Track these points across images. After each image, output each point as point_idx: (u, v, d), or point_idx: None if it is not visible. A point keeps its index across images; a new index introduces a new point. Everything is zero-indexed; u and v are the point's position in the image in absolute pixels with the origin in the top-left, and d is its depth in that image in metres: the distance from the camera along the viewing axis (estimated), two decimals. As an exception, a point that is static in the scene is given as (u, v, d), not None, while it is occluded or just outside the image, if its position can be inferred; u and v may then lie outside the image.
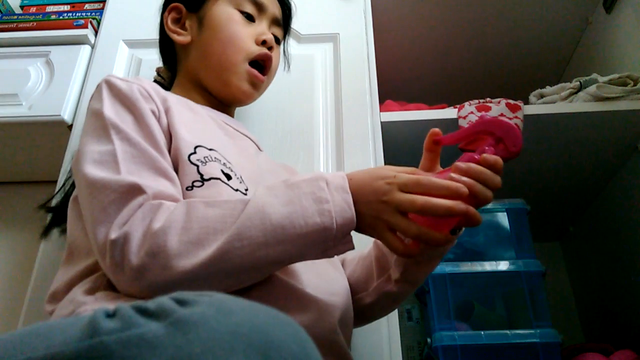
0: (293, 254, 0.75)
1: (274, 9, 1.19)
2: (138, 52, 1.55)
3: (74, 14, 1.60)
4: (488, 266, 1.50)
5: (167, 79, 1.24)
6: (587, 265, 1.97)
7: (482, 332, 1.42)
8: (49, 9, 1.65)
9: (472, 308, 1.55)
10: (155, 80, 1.24)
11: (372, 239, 0.98)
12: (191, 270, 0.70)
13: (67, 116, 1.40)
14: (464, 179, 0.74)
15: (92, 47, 1.56)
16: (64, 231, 1.14)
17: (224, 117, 1.13)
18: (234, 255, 0.71)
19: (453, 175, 0.75)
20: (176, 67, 1.21)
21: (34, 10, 1.66)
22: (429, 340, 1.45)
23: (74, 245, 0.89)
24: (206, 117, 1.04)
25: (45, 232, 1.18)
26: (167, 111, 0.94)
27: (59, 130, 1.42)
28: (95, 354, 0.44)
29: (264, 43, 1.13)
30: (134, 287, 0.72)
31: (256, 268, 0.74)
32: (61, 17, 1.59)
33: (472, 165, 0.76)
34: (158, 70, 1.26)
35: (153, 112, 0.91)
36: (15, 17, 1.61)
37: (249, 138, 1.14)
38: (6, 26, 1.57)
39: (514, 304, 1.57)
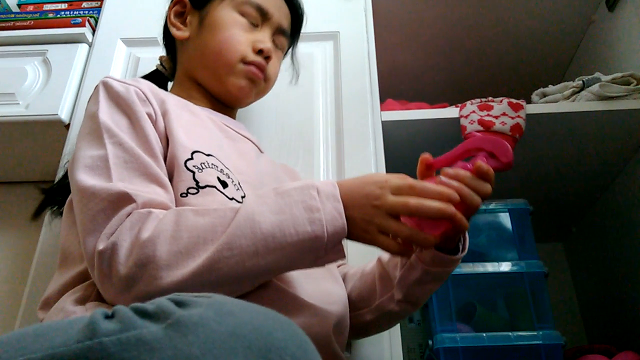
0: (283, 263, 0.75)
1: (281, 18, 1.17)
2: (136, 50, 1.55)
3: (71, 12, 1.60)
4: (490, 267, 1.50)
5: (168, 69, 1.23)
6: (590, 266, 1.97)
7: (484, 334, 1.41)
8: (47, 7, 1.65)
9: (474, 309, 1.55)
10: (156, 69, 1.24)
11: (374, 251, 0.97)
12: (181, 281, 0.70)
13: (64, 115, 1.40)
14: (453, 182, 0.76)
15: (90, 45, 1.56)
16: (54, 213, 1.15)
17: (225, 118, 1.12)
18: (224, 265, 0.71)
19: (442, 178, 0.78)
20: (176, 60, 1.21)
21: (31, 9, 1.66)
22: (430, 342, 1.45)
23: (68, 251, 0.89)
24: (206, 120, 1.03)
25: (37, 213, 1.17)
26: (164, 114, 0.93)
27: (56, 129, 1.41)
28: (93, 355, 0.44)
29: (260, 52, 1.10)
30: (123, 298, 0.71)
31: (246, 278, 0.74)
32: (58, 16, 1.59)
33: (460, 170, 0.78)
34: (161, 59, 1.25)
35: (149, 116, 0.90)
36: (13, 15, 1.61)
37: (250, 140, 1.13)
38: (3, 25, 1.56)
39: (516, 305, 1.56)
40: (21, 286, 1.24)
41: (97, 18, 1.60)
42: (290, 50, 1.29)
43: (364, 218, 0.76)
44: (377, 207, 0.75)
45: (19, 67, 1.47)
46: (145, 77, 1.21)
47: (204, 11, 1.14)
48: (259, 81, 1.12)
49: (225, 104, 1.16)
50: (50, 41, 1.53)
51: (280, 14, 1.17)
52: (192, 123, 0.97)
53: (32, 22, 1.56)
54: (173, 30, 1.16)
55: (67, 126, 1.40)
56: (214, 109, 1.12)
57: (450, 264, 0.88)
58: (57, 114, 1.39)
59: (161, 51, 1.51)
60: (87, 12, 1.60)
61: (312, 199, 0.75)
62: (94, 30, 1.57)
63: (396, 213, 0.75)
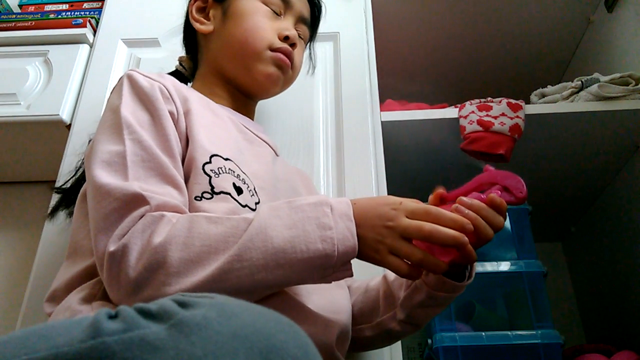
0: (291, 279, 0.75)
1: (302, 7, 1.17)
2: (137, 51, 1.55)
3: (72, 13, 1.60)
4: (489, 267, 1.50)
5: (188, 69, 1.23)
6: (589, 266, 1.97)
7: (483, 333, 1.41)
8: (48, 7, 1.64)
9: (473, 309, 1.55)
10: (176, 70, 1.23)
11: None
12: (188, 289, 0.69)
13: (65, 116, 1.39)
14: (468, 212, 0.76)
15: (91, 46, 1.55)
16: (70, 214, 1.14)
17: (245, 120, 1.11)
18: (233, 277, 0.71)
19: (459, 206, 0.77)
20: (197, 57, 1.20)
21: (32, 10, 1.65)
22: (429, 341, 1.45)
23: (78, 245, 0.89)
24: (226, 120, 1.03)
25: (52, 213, 1.18)
26: (187, 113, 0.92)
27: (58, 130, 1.41)
28: (97, 355, 0.44)
29: (286, 39, 1.10)
30: (129, 300, 0.71)
31: (254, 290, 0.73)
32: (60, 16, 1.59)
33: (476, 201, 0.78)
34: (180, 59, 1.24)
35: (171, 114, 0.90)
36: (14, 16, 1.60)
37: (267, 143, 1.12)
38: (5, 25, 1.56)
39: (515, 304, 1.56)
40: (23, 285, 1.24)
41: (98, 19, 1.60)
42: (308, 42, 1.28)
43: (375, 238, 0.75)
44: (390, 228, 0.75)
45: (20, 68, 1.47)
46: None
47: (226, 3, 1.14)
48: (286, 68, 1.11)
49: (251, 96, 1.16)
50: (52, 42, 1.53)
51: (302, 4, 1.17)
52: (214, 124, 0.97)
53: (33, 23, 1.56)
54: (197, 25, 1.15)
55: (68, 126, 1.40)
56: (235, 108, 1.12)
57: (455, 290, 0.87)
58: (58, 115, 1.38)
59: (161, 52, 1.52)
60: (88, 12, 1.60)
61: (325, 216, 0.74)
62: (95, 31, 1.57)
63: (409, 236, 0.74)
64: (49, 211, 1.19)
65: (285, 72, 1.12)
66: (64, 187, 1.18)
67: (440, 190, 0.84)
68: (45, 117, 1.39)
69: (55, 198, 1.23)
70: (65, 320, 0.50)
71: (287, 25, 1.12)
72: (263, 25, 1.09)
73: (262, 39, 1.08)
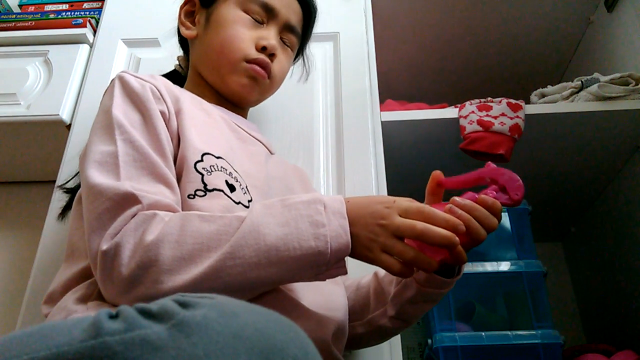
0: (284, 276, 0.75)
1: (289, 14, 1.13)
2: (137, 51, 1.55)
3: (72, 13, 1.60)
4: (489, 267, 1.50)
5: (185, 68, 1.23)
6: (589, 266, 1.97)
7: (483, 333, 1.42)
8: (48, 7, 1.64)
9: (473, 309, 1.55)
10: (174, 70, 1.24)
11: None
12: (182, 286, 0.69)
13: (65, 116, 1.39)
14: (461, 212, 0.76)
15: (91, 46, 1.55)
16: None
17: (237, 118, 1.11)
18: (225, 274, 0.71)
19: (452, 207, 0.77)
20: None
21: (32, 9, 1.65)
22: (429, 341, 1.45)
23: (75, 247, 0.89)
24: (219, 119, 1.03)
25: (63, 213, 1.19)
26: (178, 113, 0.93)
27: (58, 130, 1.41)
28: (97, 354, 0.44)
29: (264, 49, 1.08)
30: (123, 299, 0.71)
31: (247, 287, 0.73)
32: (60, 16, 1.58)
33: (469, 201, 0.78)
34: (178, 59, 1.25)
35: (163, 114, 0.90)
36: (14, 16, 1.60)
37: (261, 142, 1.11)
38: (4, 25, 1.56)
39: (515, 304, 1.56)
40: (23, 285, 1.24)
41: (98, 19, 1.60)
42: (302, 47, 1.26)
43: (368, 236, 0.75)
44: (383, 227, 0.75)
45: (20, 68, 1.47)
46: (165, 76, 1.18)
47: (210, 9, 1.13)
48: (261, 79, 1.09)
49: (233, 103, 1.15)
50: (52, 42, 1.53)
51: (289, 10, 1.14)
52: (205, 123, 0.97)
53: (33, 23, 1.56)
54: (182, 30, 1.16)
55: (68, 126, 1.40)
56: (225, 107, 1.11)
57: (443, 286, 0.88)
58: (58, 115, 1.38)
59: (161, 52, 1.52)
60: (88, 12, 1.60)
61: (318, 214, 0.74)
62: (95, 31, 1.57)
63: (402, 235, 0.74)
64: (59, 211, 1.21)
65: (260, 84, 1.10)
66: (72, 187, 1.19)
67: (438, 173, 0.85)
68: (45, 117, 1.39)
69: (59, 197, 1.24)
70: (66, 320, 0.51)
71: (266, 35, 1.09)
72: (241, 35, 1.07)
73: (238, 50, 1.06)
